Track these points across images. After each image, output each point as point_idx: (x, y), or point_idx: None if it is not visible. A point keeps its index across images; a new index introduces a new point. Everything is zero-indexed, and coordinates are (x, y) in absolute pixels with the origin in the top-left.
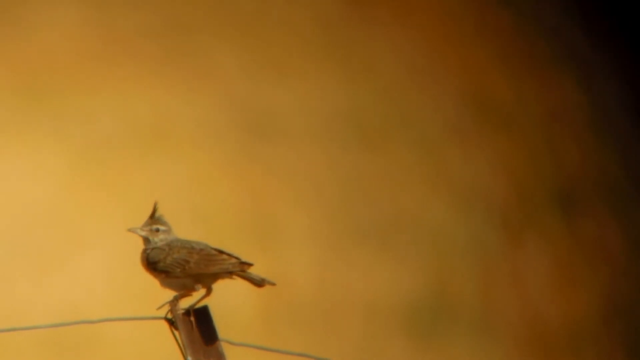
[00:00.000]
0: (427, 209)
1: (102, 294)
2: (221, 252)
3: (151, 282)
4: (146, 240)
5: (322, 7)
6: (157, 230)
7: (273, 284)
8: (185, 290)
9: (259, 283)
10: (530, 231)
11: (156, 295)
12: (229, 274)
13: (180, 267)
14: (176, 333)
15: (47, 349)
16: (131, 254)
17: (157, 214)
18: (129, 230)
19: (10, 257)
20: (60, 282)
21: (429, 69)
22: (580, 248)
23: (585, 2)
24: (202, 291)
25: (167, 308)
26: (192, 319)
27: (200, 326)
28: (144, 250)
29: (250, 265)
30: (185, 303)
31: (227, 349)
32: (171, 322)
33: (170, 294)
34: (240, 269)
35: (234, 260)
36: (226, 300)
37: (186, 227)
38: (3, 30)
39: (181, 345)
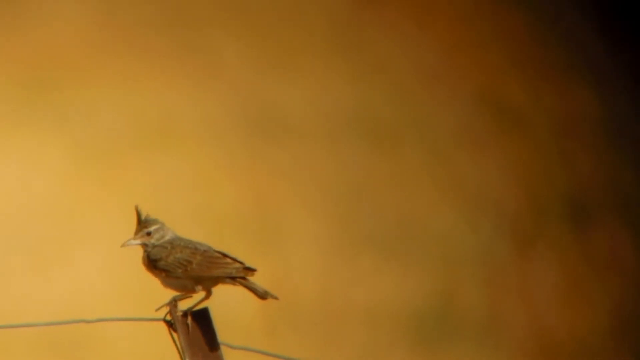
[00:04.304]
0: (435, 215)
1: (100, 292)
2: (225, 255)
3: (150, 281)
4: (144, 245)
5: (332, 5)
6: (149, 233)
7: (276, 298)
8: (185, 292)
9: (262, 295)
10: (540, 241)
11: (155, 295)
12: (232, 279)
13: (182, 268)
14: (175, 335)
15: (42, 348)
16: (131, 253)
17: (144, 217)
18: (124, 245)
19: (7, 252)
20: (58, 279)
21: (441, 71)
22: (590, 260)
23: (602, 7)
24: (201, 293)
25: (165, 309)
26: (189, 321)
27: (199, 329)
28: (145, 251)
29: (254, 271)
30: (184, 305)
31: (226, 353)
32: (170, 324)
33: (170, 294)
34: (244, 275)
35: (237, 265)
36: (227, 302)
37: (187, 227)
38: (5, 22)
39: (180, 348)
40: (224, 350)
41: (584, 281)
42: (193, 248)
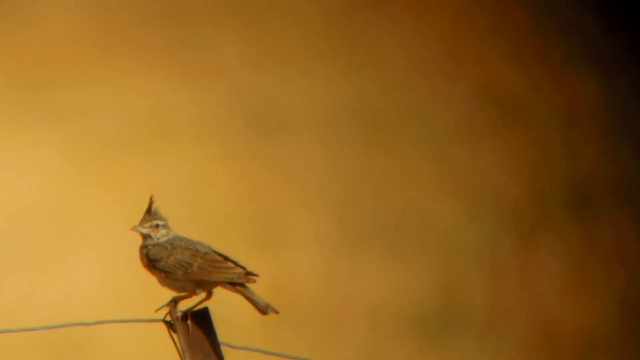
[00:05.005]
0: (435, 210)
1: (99, 294)
2: (226, 258)
3: (149, 282)
4: (147, 237)
5: (329, 0)
6: (157, 225)
7: (276, 312)
8: (185, 293)
9: (262, 309)
10: (543, 233)
11: (154, 296)
12: (232, 285)
13: (182, 270)
14: (175, 336)
15: (41, 352)
16: (129, 254)
17: (154, 209)
18: (132, 229)
19: (3, 255)
20: (55, 282)
21: (439, 63)
22: (594, 251)
23: None
24: (201, 295)
25: (165, 310)
26: (189, 322)
27: (200, 329)
28: (144, 247)
29: (256, 276)
30: (183, 305)
31: (227, 353)
32: (170, 325)
33: (169, 295)
34: (245, 281)
35: (239, 270)
36: (227, 302)
37: (185, 226)
38: (0, 20)
39: (180, 349)
40: (224, 350)
41: (588, 272)
42: (194, 250)
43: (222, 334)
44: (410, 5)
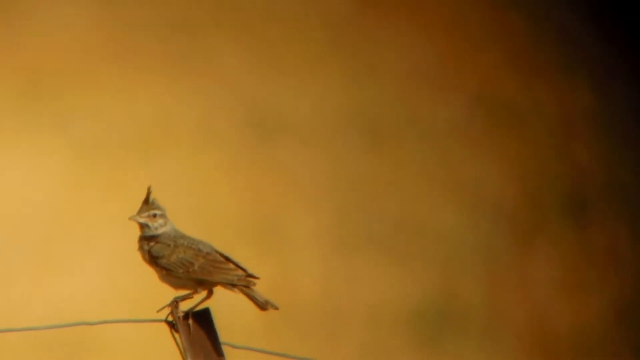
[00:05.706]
0: (434, 213)
1: (102, 295)
2: (228, 259)
3: (152, 283)
4: (145, 226)
5: (329, 6)
6: (155, 215)
7: (276, 308)
8: (186, 292)
9: (262, 306)
10: (540, 237)
11: (157, 296)
12: (232, 286)
13: (184, 269)
14: (176, 336)
15: (44, 351)
16: (131, 255)
17: (152, 199)
18: (130, 218)
19: (8, 256)
20: (59, 282)
21: (437, 69)
22: (590, 255)
23: (597, 3)
24: (202, 293)
25: (167, 310)
26: (191, 322)
27: (201, 329)
28: (144, 238)
29: (256, 279)
30: (185, 305)
31: (228, 353)
32: (171, 325)
33: (171, 295)
34: (246, 283)
35: (240, 272)
36: (228, 302)
37: (187, 229)
38: (5, 26)
39: (181, 349)
40: (225, 350)
41: (583, 276)
42: (196, 249)
43: (223, 334)
44: (408, 13)
